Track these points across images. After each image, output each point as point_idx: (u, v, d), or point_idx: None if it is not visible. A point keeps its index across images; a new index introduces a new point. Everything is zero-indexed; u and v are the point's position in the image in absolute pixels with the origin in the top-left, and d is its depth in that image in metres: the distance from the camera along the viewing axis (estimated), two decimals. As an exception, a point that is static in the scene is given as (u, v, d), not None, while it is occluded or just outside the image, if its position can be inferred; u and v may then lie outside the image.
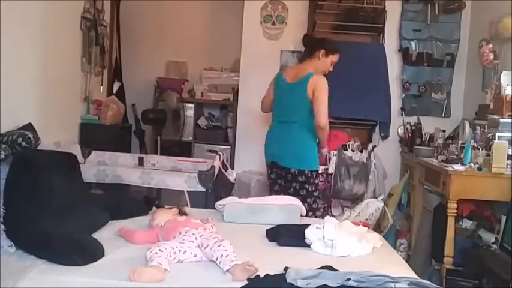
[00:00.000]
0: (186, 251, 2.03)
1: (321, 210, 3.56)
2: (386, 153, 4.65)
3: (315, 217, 3.25)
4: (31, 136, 2.64)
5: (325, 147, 3.70)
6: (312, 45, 3.60)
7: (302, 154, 3.44)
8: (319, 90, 3.34)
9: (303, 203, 3.23)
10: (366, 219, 3.88)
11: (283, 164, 3.47)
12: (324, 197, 3.94)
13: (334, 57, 3.52)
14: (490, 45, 3.97)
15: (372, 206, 3.94)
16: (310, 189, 3.43)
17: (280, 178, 3.54)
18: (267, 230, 2.48)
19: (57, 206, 2.29)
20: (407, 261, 2.98)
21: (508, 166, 3.19)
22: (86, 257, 1.96)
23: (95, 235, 2.25)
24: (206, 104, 5.60)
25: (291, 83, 3.50)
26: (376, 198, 4.11)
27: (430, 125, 4.58)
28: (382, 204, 3.98)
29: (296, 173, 3.42)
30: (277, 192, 3.49)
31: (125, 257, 2.05)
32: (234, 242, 2.05)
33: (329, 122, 3.88)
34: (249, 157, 4.92)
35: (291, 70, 3.64)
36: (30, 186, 2.25)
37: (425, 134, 4.47)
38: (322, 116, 3.34)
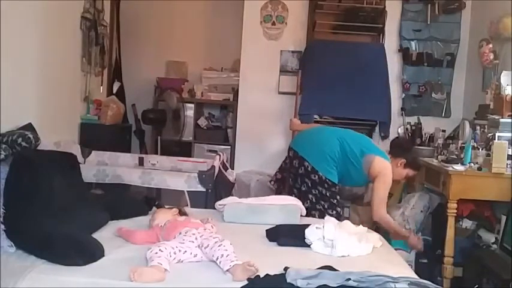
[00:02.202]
0: (186, 251, 2.03)
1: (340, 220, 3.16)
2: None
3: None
4: (31, 136, 2.64)
5: (409, 239, 3.34)
6: (396, 149, 3.43)
7: (324, 161, 3.21)
8: (383, 179, 3.18)
9: (317, 203, 3.18)
10: (421, 211, 3.85)
11: (302, 153, 3.26)
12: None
13: (411, 172, 3.39)
14: (490, 45, 3.97)
15: (424, 199, 3.92)
16: (324, 192, 3.20)
17: (307, 177, 3.26)
18: (267, 230, 2.48)
19: (57, 206, 2.30)
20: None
21: (508, 166, 3.19)
22: (86, 257, 1.96)
23: (95, 235, 2.25)
24: (206, 104, 5.59)
25: None
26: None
27: (430, 125, 4.58)
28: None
29: (309, 168, 3.21)
30: (295, 188, 3.30)
31: (124, 257, 2.05)
32: (234, 242, 2.05)
33: (329, 122, 3.83)
34: (249, 157, 4.93)
35: None
36: (30, 186, 2.25)
37: (425, 134, 4.47)
38: (376, 209, 3.19)
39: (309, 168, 3.22)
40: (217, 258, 1.94)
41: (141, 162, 3.81)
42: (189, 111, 5.30)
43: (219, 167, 3.39)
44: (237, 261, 1.89)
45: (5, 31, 2.87)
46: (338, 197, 3.28)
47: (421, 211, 3.94)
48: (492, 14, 4.09)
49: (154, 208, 2.77)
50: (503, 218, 3.26)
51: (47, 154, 2.68)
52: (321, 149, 3.25)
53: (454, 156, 3.62)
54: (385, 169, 3.19)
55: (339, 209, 3.26)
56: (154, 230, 2.33)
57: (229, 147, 5.20)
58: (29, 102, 3.34)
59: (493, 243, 3.35)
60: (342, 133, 3.36)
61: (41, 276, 1.84)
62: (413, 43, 4.79)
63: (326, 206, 3.21)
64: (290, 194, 3.29)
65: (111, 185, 3.31)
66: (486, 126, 3.58)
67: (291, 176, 3.37)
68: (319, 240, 2.28)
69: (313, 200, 3.21)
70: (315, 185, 3.22)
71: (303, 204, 3.01)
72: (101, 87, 4.75)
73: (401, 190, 4.33)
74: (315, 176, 3.21)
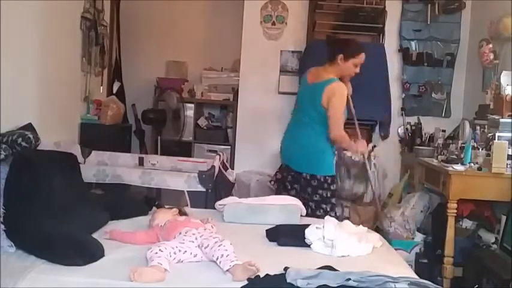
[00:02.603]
0: (186, 251, 2.03)
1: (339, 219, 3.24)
2: (386, 153, 4.65)
3: None
4: (31, 136, 2.65)
5: (355, 151, 3.51)
6: (331, 48, 3.35)
7: (314, 158, 3.28)
8: (334, 99, 3.16)
9: (317, 209, 3.18)
10: (421, 211, 3.87)
11: (295, 167, 3.35)
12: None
13: (356, 60, 3.30)
14: (490, 45, 3.96)
15: (424, 199, 3.94)
16: (324, 194, 3.26)
17: (295, 183, 3.36)
18: (267, 230, 2.48)
19: (57, 206, 2.30)
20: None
21: (508, 166, 3.19)
22: (86, 257, 1.96)
23: (95, 235, 2.26)
24: (206, 104, 5.59)
25: (309, 84, 3.35)
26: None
27: (430, 125, 4.58)
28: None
29: (308, 177, 3.28)
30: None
31: (124, 257, 2.05)
32: (234, 242, 2.05)
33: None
34: (249, 157, 4.92)
35: (315, 70, 3.40)
36: (30, 186, 2.25)
37: (425, 134, 4.47)
38: (334, 129, 3.18)
39: (308, 177, 3.28)
40: (217, 258, 1.94)
41: (141, 162, 3.80)
42: (189, 111, 5.29)
43: (219, 167, 3.39)
44: (237, 261, 1.90)
45: (5, 31, 2.87)
46: (336, 194, 3.35)
47: (421, 211, 3.94)
48: (492, 14, 4.09)
49: (154, 208, 2.78)
50: (503, 218, 3.26)
51: (47, 154, 2.68)
52: (307, 150, 3.29)
53: (454, 156, 3.62)
54: (334, 88, 3.18)
55: (337, 209, 3.35)
56: (154, 230, 2.33)
57: (229, 147, 5.20)
58: (29, 102, 3.34)
59: (493, 243, 3.35)
60: (305, 118, 3.36)
61: (41, 276, 1.85)
62: (413, 43, 4.78)
63: (328, 209, 3.24)
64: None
65: (111, 185, 3.31)
66: (486, 126, 3.58)
67: (289, 188, 3.41)
68: (319, 240, 2.28)
69: (313, 206, 3.25)
70: (315, 190, 3.26)
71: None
72: (101, 87, 4.75)
73: (402, 190, 4.34)
74: (314, 182, 3.27)
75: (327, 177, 3.28)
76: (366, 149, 3.51)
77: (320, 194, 3.26)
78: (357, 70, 3.34)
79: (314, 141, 3.29)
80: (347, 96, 3.32)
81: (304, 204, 3.17)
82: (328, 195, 3.27)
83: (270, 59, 4.90)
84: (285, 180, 3.45)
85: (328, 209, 3.24)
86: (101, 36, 4.48)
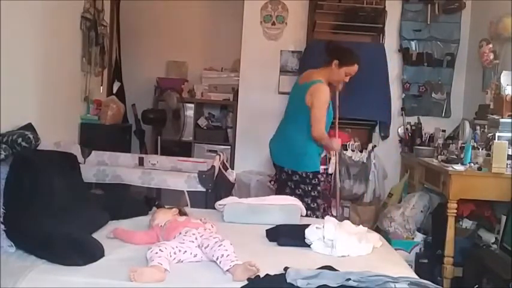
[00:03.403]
0: (186, 251, 2.03)
1: (321, 210, 3.48)
2: (386, 153, 4.65)
3: (315, 217, 3.22)
4: (31, 136, 2.65)
5: (330, 148, 3.58)
6: (329, 52, 3.46)
7: (295, 154, 3.39)
8: (316, 99, 3.29)
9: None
10: (421, 211, 3.90)
11: (279, 163, 3.48)
12: (324, 197, 3.80)
13: (349, 69, 3.41)
14: (490, 45, 3.96)
15: (424, 199, 3.94)
16: (306, 188, 3.38)
17: (289, 180, 3.43)
18: (267, 230, 2.48)
19: (57, 206, 2.30)
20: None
21: (508, 166, 3.19)
22: (86, 257, 1.96)
23: (95, 235, 2.25)
24: (206, 104, 5.60)
25: (299, 84, 3.49)
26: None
27: (430, 125, 4.58)
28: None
29: (290, 172, 3.40)
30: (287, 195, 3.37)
31: (124, 257, 2.05)
32: (234, 242, 2.05)
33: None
34: (249, 157, 4.92)
35: (306, 73, 3.56)
36: (30, 186, 2.26)
37: (425, 134, 4.47)
38: (315, 128, 3.29)
39: (290, 172, 3.39)
40: (217, 258, 1.94)
41: (141, 162, 3.80)
42: (189, 111, 5.30)
43: (219, 167, 3.39)
44: (237, 261, 1.90)
45: (5, 31, 2.87)
46: (319, 188, 3.43)
47: (421, 211, 3.94)
48: (492, 14, 4.09)
49: (154, 208, 2.78)
50: (503, 218, 3.26)
51: (47, 154, 2.68)
52: (289, 146, 3.41)
53: (454, 156, 3.62)
54: (317, 88, 3.31)
55: (319, 201, 3.42)
56: (154, 230, 2.33)
57: (229, 147, 5.21)
58: (29, 102, 3.34)
59: (493, 243, 3.35)
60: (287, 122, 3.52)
61: (41, 276, 1.85)
62: (413, 43, 4.78)
63: (309, 201, 3.35)
64: None
65: (111, 185, 3.31)
66: (486, 126, 3.58)
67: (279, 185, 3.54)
68: (319, 240, 2.28)
69: (299, 195, 3.34)
70: (298, 184, 3.38)
71: None
72: (101, 87, 4.74)
73: (402, 190, 4.34)
74: (295, 177, 3.37)
75: (308, 173, 3.36)
76: (339, 146, 3.58)
77: (302, 189, 3.37)
78: (346, 79, 3.46)
79: (296, 138, 3.38)
80: (338, 97, 3.61)
81: (290, 195, 3.29)
82: (309, 188, 3.37)
83: (270, 59, 4.90)
84: (280, 179, 3.51)
85: (310, 201, 3.34)
86: (101, 36, 4.48)
